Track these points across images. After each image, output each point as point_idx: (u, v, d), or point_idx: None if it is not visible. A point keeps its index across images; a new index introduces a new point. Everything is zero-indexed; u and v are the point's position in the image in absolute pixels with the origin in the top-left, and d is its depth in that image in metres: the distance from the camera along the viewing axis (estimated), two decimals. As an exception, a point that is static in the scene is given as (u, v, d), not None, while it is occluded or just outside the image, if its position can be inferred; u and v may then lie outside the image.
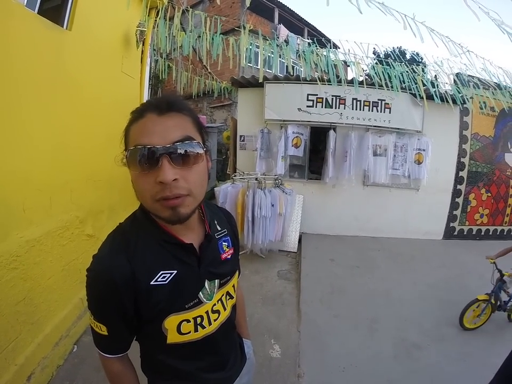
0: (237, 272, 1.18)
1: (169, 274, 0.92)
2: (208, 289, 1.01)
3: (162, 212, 0.83)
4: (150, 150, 0.78)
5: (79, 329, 3.07)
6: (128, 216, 1.02)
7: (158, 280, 0.90)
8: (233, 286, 1.13)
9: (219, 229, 1.12)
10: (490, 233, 6.78)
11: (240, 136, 6.73)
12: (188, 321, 0.96)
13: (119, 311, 0.90)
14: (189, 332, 0.97)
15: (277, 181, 5.32)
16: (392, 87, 5.04)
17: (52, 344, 2.72)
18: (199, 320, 0.98)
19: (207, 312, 1.00)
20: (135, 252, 0.90)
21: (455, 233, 6.67)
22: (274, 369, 2.79)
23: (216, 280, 1.04)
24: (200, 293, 0.99)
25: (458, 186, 6.49)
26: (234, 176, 5.38)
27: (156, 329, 0.94)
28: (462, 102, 5.66)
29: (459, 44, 4.42)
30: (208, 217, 1.07)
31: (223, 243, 1.11)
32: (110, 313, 0.91)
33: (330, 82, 5.20)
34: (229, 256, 1.11)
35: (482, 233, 6.76)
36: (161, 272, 0.91)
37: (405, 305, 3.79)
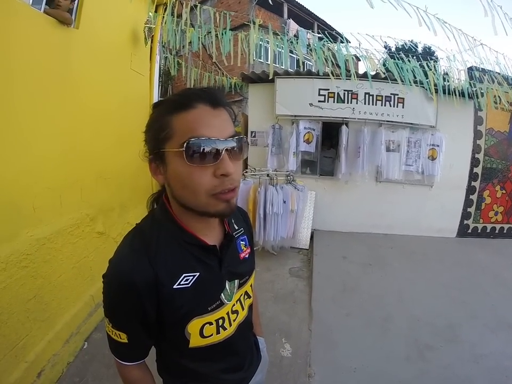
0: (254, 271, 1.16)
1: (192, 277, 0.89)
2: (228, 290, 0.99)
3: (216, 205, 0.81)
4: (215, 142, 0.77)
5: (90, 326, 3.09)
6: (145, 216, 0.99)
7: (181, 283, 0.87)
8: (251, 285, 1.12)
9: (236, 227, 1.10)
10: (505, 231, 6.64)
11: (251, 132, 6.69)
12: (211, 323, 0.94)
13: (140, 318, 0.87)
14: (211, 335, 0.95)
15: (288, 177, 5.30)
16: (404, 81, 4.97)
17: (62, 341, 2.74)
18: (220, 322, 0.97)
19: (227, 313, 0.99)
20: (156, 255, 0.86)
21: (469, 231, 6.55)
22: (285, 368, 2.77)
23: (235, 281, 1.02)
24: (222, 294, 0.97)
25: (473, 183, 6.37)
26: (246, 172, 5.35)
27: (178, 334, 0.91)
28: (475, 96, 5.57)
29: (472, 37, 4.34)
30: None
31: (241, 242, 1.10)
32: (130, 321, 0.88)
33: (341, 77, 5.14)
34: (247, 256, 1.10)
35: (497, 231, 6.62)
36: (184, 275, 0.88)
37: (417, 305, 3.73)
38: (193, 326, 0.91)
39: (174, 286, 0.86)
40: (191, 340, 0.92)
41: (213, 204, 0.81)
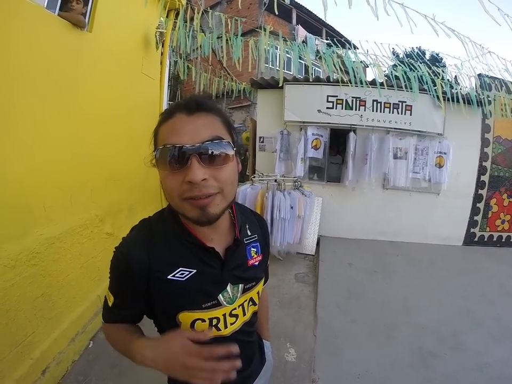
0: (263, 279, 1.16)
1: (188, 273, 0.92)
2: (230, 293, 1.00)
3: (190, 211, 0.83)
4: (179, 149, 0.79)
5: (96, 325, 3.11)
6: (157, 211, 1.04)
7: (175, 275, 0.91)
8: (258, 292, 1.12)
9: (249, 233, 1.11)
10: (512, 240, 6.62)
11: (260, 137, 6.71)
12: (203, 320, 0.96)
13: (130, 290, 0.94)
14: (203, 331, 0.96)
15: (296, 183, 5.30)
16: (411, 88, 4.97)
17: (68, 339, 2.76)
18: (214, 321, 0.98)
19: (224, 315, 1.00)
20: (155, 245, 0.92)
21: (476, 239, 6.50)
22: (289, 373, 2.77)
23: (240, 285, 1.03)
24: (220, 295, 0.98)
25: (480, 191, 6.33)
26: (254, 177, 5.37)
27: (169, 320, 0.95)
28: (484, 105, 5.56)
29: (480, 45, 4.34)
30: (240, 222, 1.06)
31: (252, 249, 1.10)
32: (120, 289, 0.96)
33: (350, 83, 5.15)
34: (256, 263, 1.10)
35: (503, 240, 6.57)
36: (181, 269, 0.92)
37: (422, 312, 3.72)
38: (184, 317, 0.94)
39: (169, 276, 0.91)
40: (181, 327, 0.96)
41: (187, 208, 0.83)
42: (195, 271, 0.93)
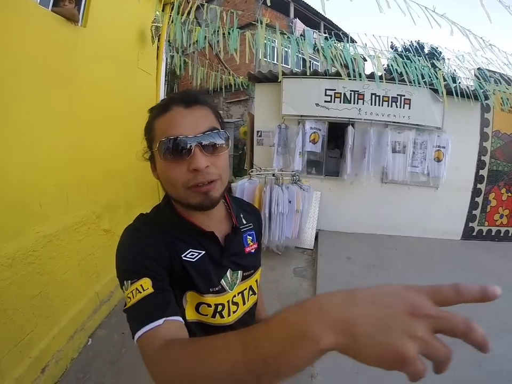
0: (260, 268, 1.17)
1: (198, 254, 0.94)
2: (229, 279, 1.01)
3: (194, 198, 0.86)
4: (183, 140, 0.82)
5: (94, 322, 3.11)
6: (152, 208, 1.05)
7: (187, 256, 0.92)
8: (256, 281, 1.13)
9: (245, 222, 1.13)
10: (510, 234, 6.59)
11: (257, 131, 6.68)
12: (209, 305, 0.95)
13: (159, 260, 0.84)
14: (206, 315, 0.96)
15: (294, 177, 5.30)
16: (413, 81, 4.94)
17: (66, 337, 2.76)
18: (220, 308, 0.98)
19: (228, 302, 1.00)
20: (164, 231, 0.92)
21: (474, 233, 6.51)
22: (288, 368, 2.76)
23: (239, 272, 1.04)
24: (222, 280, 0.99)
25: (478, 185, 6.32)
26: (251, 171, 5.36)
27: (177, 298, 0.91)
28: (484, 98, 5.53)
29: (481, 38, 4.31)
30: (235, 210, 1.08)
31: (248, 237, 1.12)
32: (151, 262, 0.83)
33: (349, 76, 5.12)
34: (253, 250, 1.11)
35: (502, 235, 6.57)
36: (190, 249, 0.93)
37: (421, 307, 3.71)
38: (191, 296, 0.93)
39: (182, 255, 0.91)
40: (186, 308, 0.93)
41: (191, 196, 0.86)
42: (204, 252, 0.95)
